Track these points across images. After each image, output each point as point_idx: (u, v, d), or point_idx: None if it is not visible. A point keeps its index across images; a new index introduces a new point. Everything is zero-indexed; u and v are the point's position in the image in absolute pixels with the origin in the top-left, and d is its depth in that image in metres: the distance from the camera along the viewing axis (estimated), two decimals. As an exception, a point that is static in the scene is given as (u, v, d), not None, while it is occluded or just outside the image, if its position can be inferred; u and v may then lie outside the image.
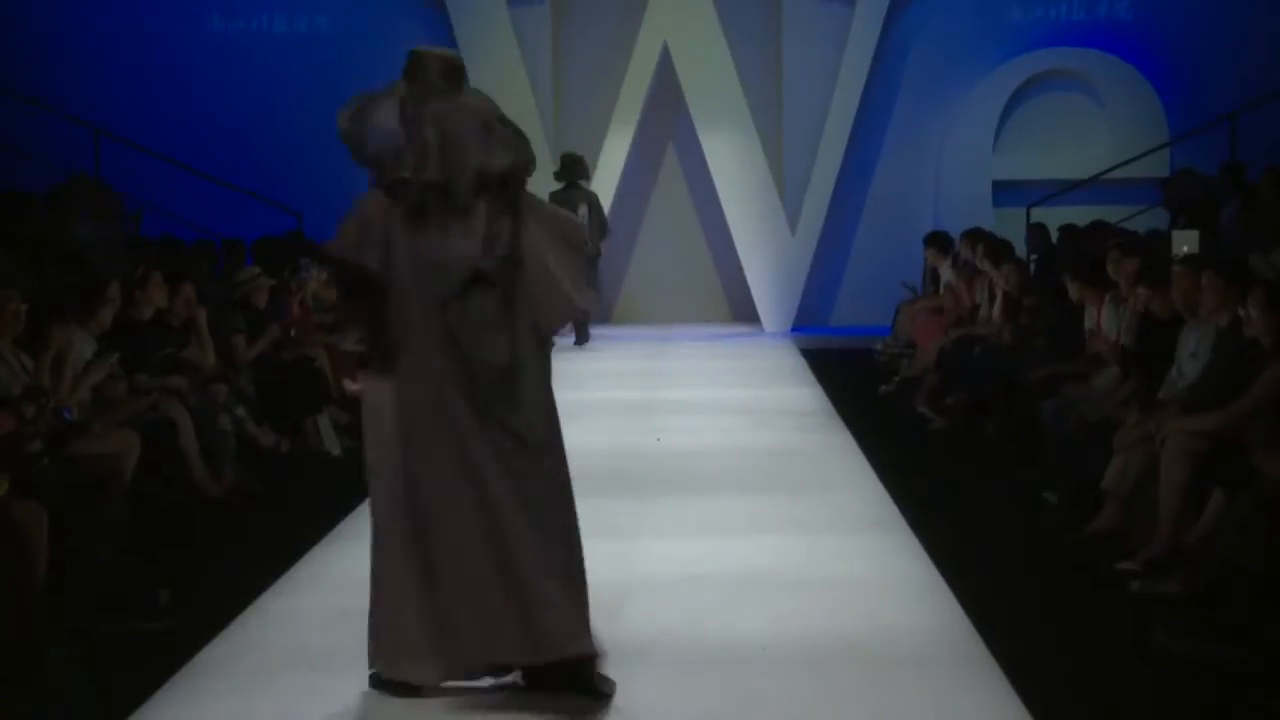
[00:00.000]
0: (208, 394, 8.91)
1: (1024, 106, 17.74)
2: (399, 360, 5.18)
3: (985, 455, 9.99)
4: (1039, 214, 15.87)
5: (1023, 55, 17.62)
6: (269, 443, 9.59)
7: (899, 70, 17.80)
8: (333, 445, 10.27)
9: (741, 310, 18.39)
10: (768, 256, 17.57)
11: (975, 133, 17.64)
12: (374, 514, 5.34)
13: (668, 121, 18.01)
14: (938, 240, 14.41)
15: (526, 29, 17.64)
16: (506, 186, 5.20)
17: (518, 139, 5.28)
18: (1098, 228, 12.75)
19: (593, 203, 16.29)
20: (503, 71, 17.32)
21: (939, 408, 11.49)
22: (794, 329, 17.58)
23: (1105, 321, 9.29)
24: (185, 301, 9.42)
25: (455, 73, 5.32)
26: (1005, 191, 17.43)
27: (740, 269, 17.74)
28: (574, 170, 16.33)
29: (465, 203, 5.12)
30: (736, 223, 17.52)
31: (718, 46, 17.37)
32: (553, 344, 5.41)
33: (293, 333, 10.95)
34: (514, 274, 5.16)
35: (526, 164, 5.26)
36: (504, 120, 5.30)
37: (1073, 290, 9.74)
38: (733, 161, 17.48)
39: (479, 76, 17.25)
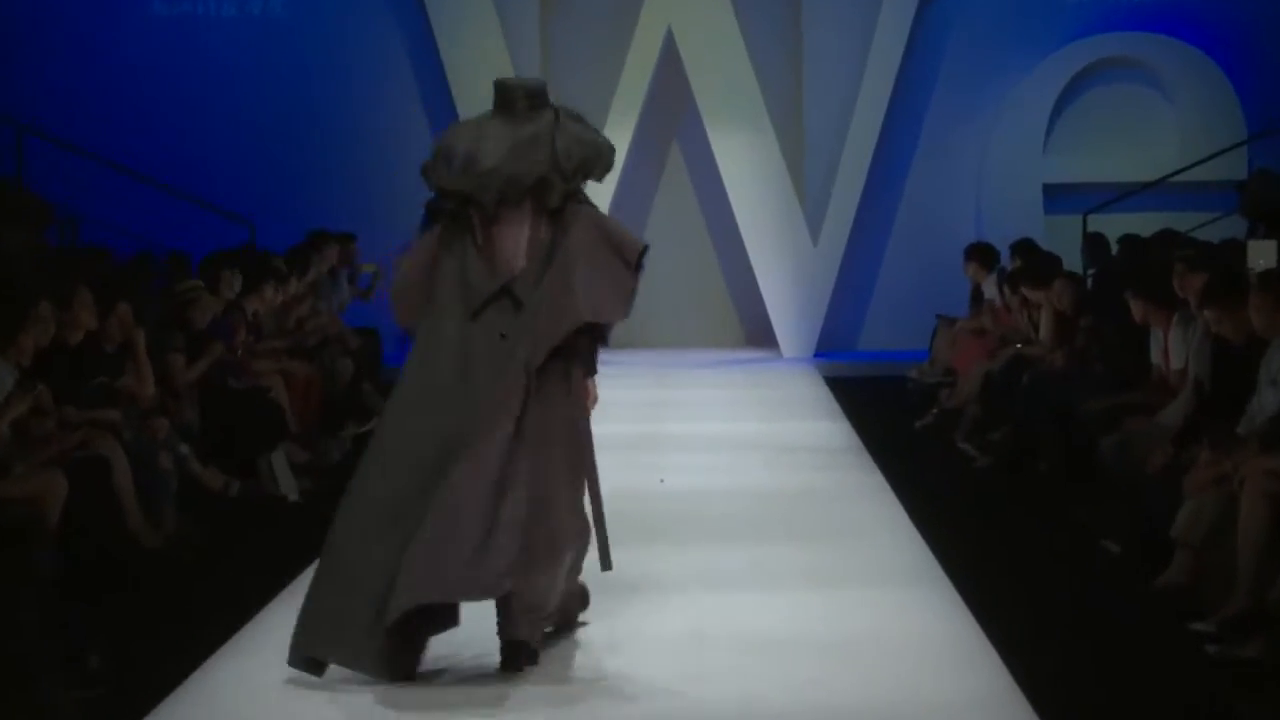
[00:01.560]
0: (146, 429, 8.88)
1: (1079, 100, 17.73)
2: (436, 358, 6.27)
3: (1036, 498, 9.97)
4: (1097, 222, 15.85)
5: (1078, 41, 17.62)
6: (216, 485, 9.57)
7: (936, 58, 17.80)
8: (289, 488, 10.24)
9: (756, 333, 18.36)
10: (786, 271, 17.55)
11: (1023, 130, 17.64)
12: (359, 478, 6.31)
13: (672, 118, 18.02)
14: (980, 253, 14.39)
15: (511, 13, 17.63)
16: (541, 195, 6.25)
17: (574, 145, 6.30)
18: (1165, 238, 12.73)
19: None
20: (483, 62, 17.28)
21: (983, 444, 11.47)
22: (817, 354, 17.56)
23: (1173, 345, 9.27)
24: (121, 323, 9.38)
25: (536, 96, 6.43)
26: (1058, 197, 17.42)
27: (755, 286, 17.72)
28: None
29: (495, 214, 6.24)
30: (750, 233, 17.51)
31: (729, 32, 17.37)
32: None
33: (239, 352, 10.91)
34: (538, 287, 6.22)
35: (578, 168, 6.29)
36: (566, 131, 6.33)
37: (1135, 309, 9.72)
38: (746, 163, 17.48)
39: (457, 68, 17.39)
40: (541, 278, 6.23)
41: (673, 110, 17.94)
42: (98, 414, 8.60)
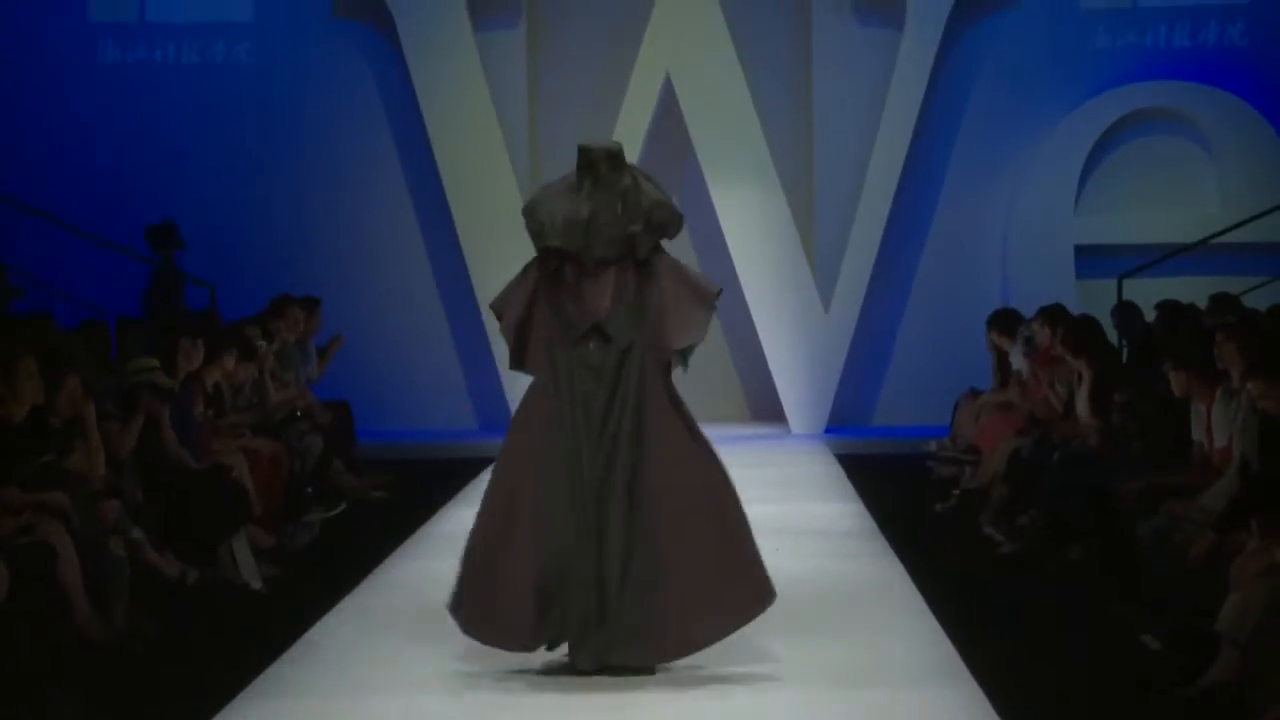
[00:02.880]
0: (96, 512, 8.87)
1: (1113, 154, 17.80)
2: (546, 388, 7.99)
3: (1068, 588, 9.96)
4: (1133, 286, 15.88)
5: (1111, 90, 17.69)
6: (172, 573, 9.54)
7: (957, 108, 17.88)
8: (252, 576, 10.22)
9: (763, 407, 18.37)
10: (795, 340, 17.58)
11: (1053, 187, 17.69)
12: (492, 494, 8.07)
13: (670, 172, 18.02)
14: (1004, 320, 14.42)
15: (496, 58, 17.72)
16: (633, 250, 7.95)
17: (655, 207, 7.97)
18: (1220, 303, 12.76)
19: None
20: (465, 110, 17.41)
21: (1009, 528, 11.45)
22: (828, 430, 17.56)
23: (1216, 420, 9.28)
24: (69, 397, 9.38)
25: (616, 159, 8.08)
26: (1091, 259, 17.46)
27: (761, 355, 17.74)
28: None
29: (591, 267, 7.93)
30: (756, 298, 17.54)
31: (732, 79, 17.45)
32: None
33: (168, 410, 10.75)
34: (632, 325, 7.95)
35: (660, 226, 7.98)
36: (646, 193, 8.00)
37: (1176, 382, 9.74)
38: (751, 221, 17.52)
39: (437, 116, 17.45)
40: (632, 320, 7.97)
41: (671, 163, 17.97)
42: (43, 497, 8.58)
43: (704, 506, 7.98)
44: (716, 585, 7.84)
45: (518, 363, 8.18)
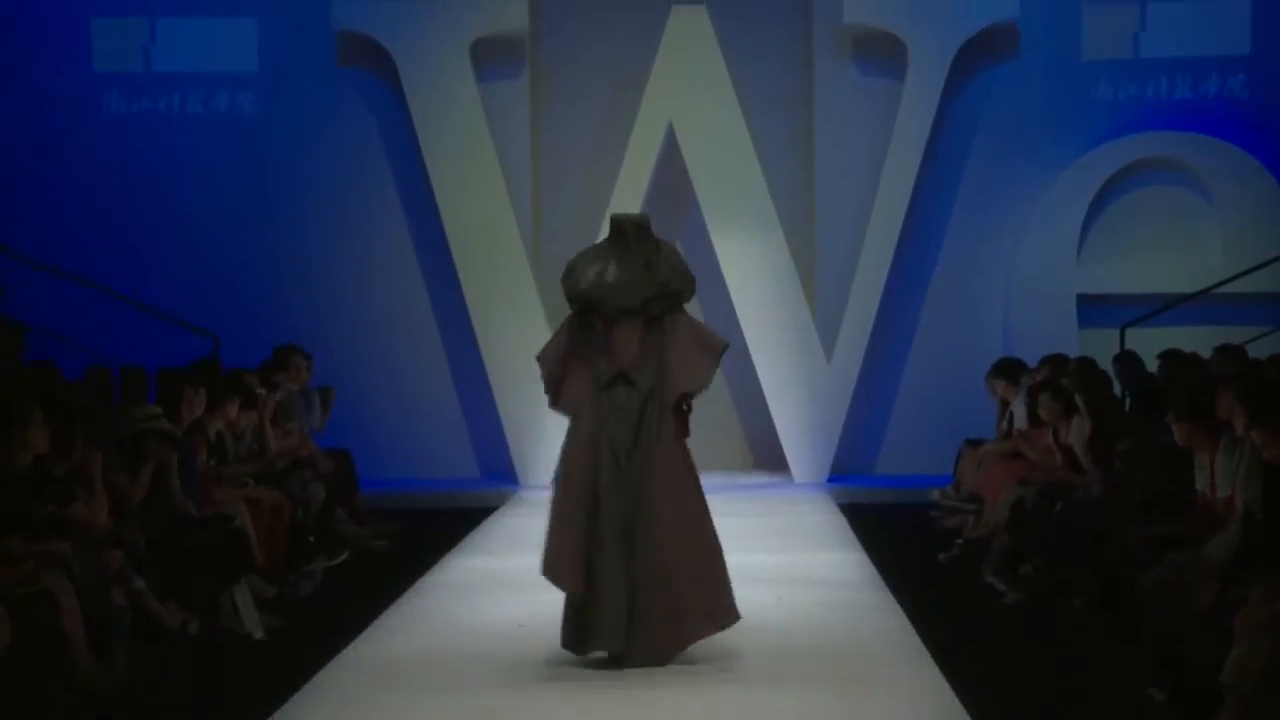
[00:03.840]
0: (99, 562, 8.85)
1: (1115, 204, 17.83)
2: (581, 419, 9.15)
3: (1071, 639, 9.94)
4: (1135, 336, 15.89)
5: (1113, 141, 17.74)
6: (173, 622, 9.52)
7: (959, 159, 17.91)
8: (254, 626, 10.20)
9: (765, 456, 18.36)
10: (797, 389, 17.57)
11: (1055, 237, 17.72)
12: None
13: (673, 220, 18.09)
14: (1007, 369, 14.41)
15: (500, 108, 17.77)
16: (651, 307, 9.15)
17: (672, 275, 9.22)
18: (1225, 353, 12.75)
19: None
20: (470, 160, 17.43)
21: (1012, 578, 11.43)
22: (831, 479, 17.54)
23: (1219, 470, 9.26)
24: (73, 446, 9.36)
25: (643, 229, 9.36)
26: (1093, 309, 17.48)
27: (763, 404, 17.73)
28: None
29: (614, 319, 9.13)
30: (758, 347, 17.55)
31: (735, 129, 17.48)
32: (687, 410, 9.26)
33: (175, 457, 10.76)
34: (655, 373, 9.09)
35: (674, 293, 9.21)
36: (666, 261, 9.24)
37: (1179, 432, 9.73)
38: (753, 269, 17.54)
39: (441, 165, 17.48)
40: (654, 369, 9.11)
41: (674, 212, 18.03)
42: (45, 545, 8.57)
43: (689, 529, 9.08)
44: (698, 596, 9.07)
45: (554, 400, 9.29)
